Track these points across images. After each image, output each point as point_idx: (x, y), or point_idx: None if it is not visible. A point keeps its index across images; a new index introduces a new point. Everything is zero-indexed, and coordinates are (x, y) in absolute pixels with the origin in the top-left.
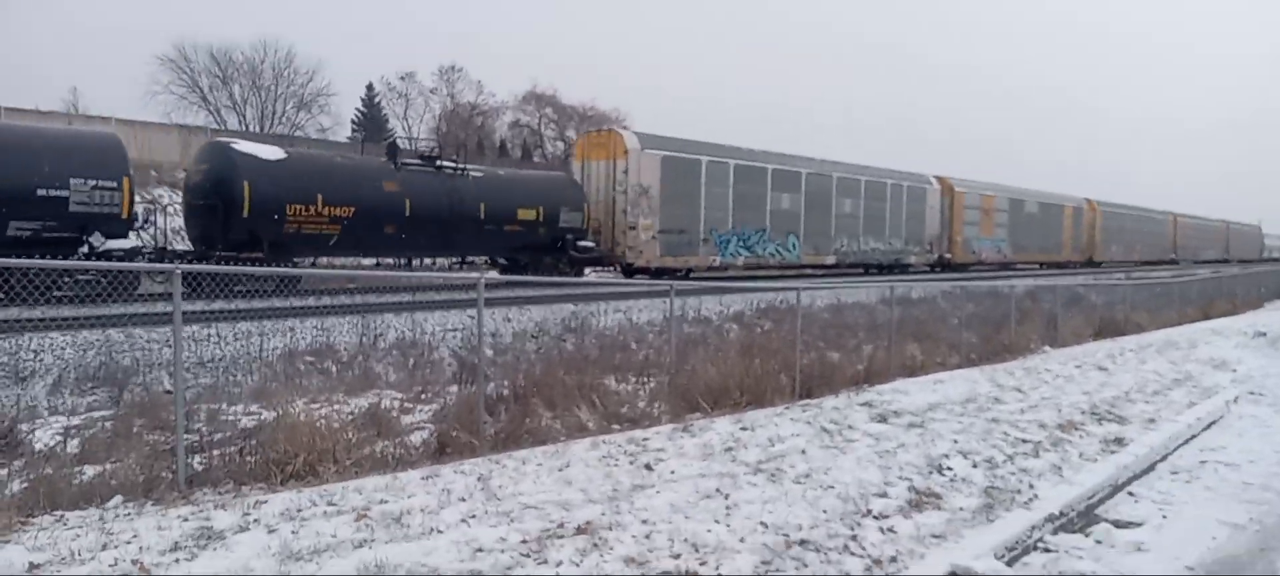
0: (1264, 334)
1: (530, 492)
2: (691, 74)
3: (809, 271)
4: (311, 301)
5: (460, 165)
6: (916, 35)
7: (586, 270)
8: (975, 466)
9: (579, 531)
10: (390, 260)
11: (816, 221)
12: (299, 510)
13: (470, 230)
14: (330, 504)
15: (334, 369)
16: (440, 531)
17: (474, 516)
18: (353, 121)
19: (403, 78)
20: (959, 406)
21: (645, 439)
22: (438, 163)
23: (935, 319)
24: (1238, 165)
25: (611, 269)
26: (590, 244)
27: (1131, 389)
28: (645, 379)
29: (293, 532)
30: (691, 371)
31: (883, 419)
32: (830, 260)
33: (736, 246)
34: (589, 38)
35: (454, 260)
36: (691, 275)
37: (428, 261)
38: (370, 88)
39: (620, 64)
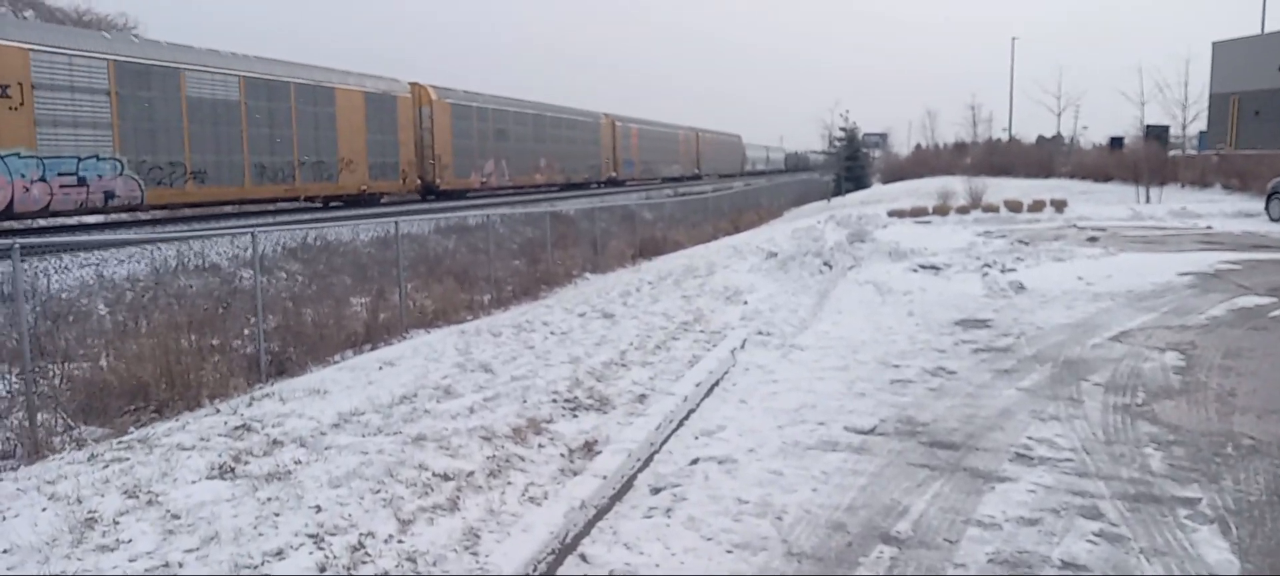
0: (775, 255)
1: None
2: None
3: None
4: None
5: None
6: None
7: None
8: (324, 568)
9: None
10: None
11: None
12: None
13: None
14: None
15: None
16: None
17: None
18: None
19: None
20: (381, 415)
21: None
22: None
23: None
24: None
25: None
26: None
27: (632, 344)
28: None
29: None
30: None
31: (228, 470)
32: None
33: None
34: None
35: None
36: None
37: None
38: None
39: None
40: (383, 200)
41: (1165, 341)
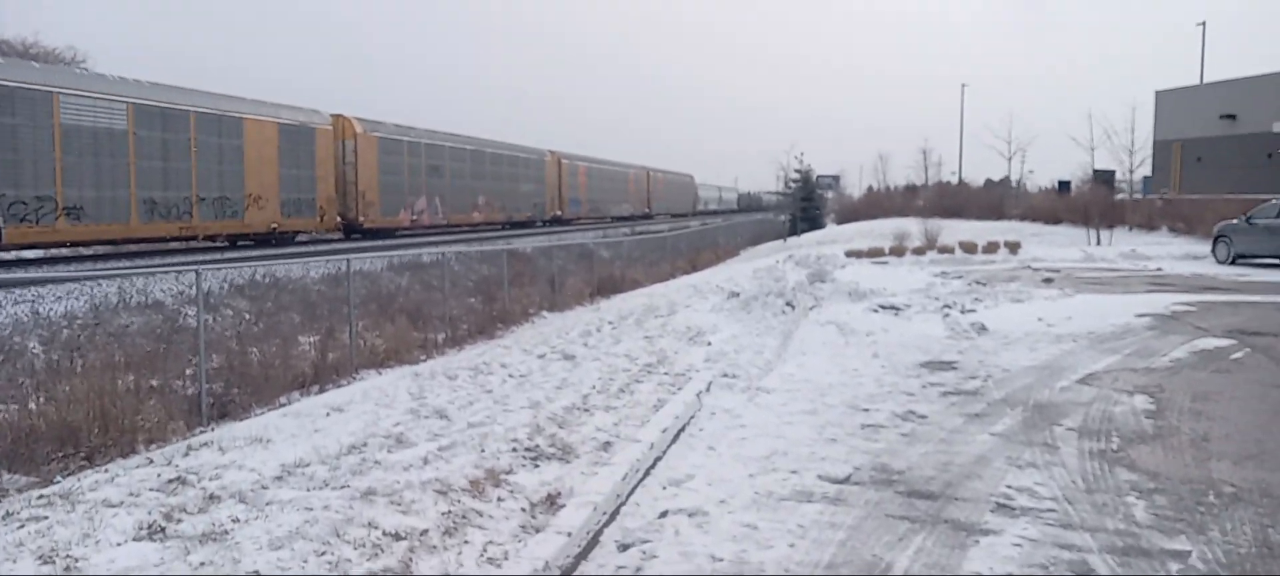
0: (737, 294)
1: None
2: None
3: None
4: None
5: None
6: None
7: None
8: None
9: None
10: None
11: None
12: None
13: None
14: None
15: None
16: None
17: None
18: None
19: None
20: (328, 466)
21: None
22: None
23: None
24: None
25: None
26: None
27: (595, 387)
28: None
29: None
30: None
31: (158, 530)
32: None
33: None
34: None
35: None
36: None
37: None
38: None
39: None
40: (298, 239)
41: (1132, 384)
